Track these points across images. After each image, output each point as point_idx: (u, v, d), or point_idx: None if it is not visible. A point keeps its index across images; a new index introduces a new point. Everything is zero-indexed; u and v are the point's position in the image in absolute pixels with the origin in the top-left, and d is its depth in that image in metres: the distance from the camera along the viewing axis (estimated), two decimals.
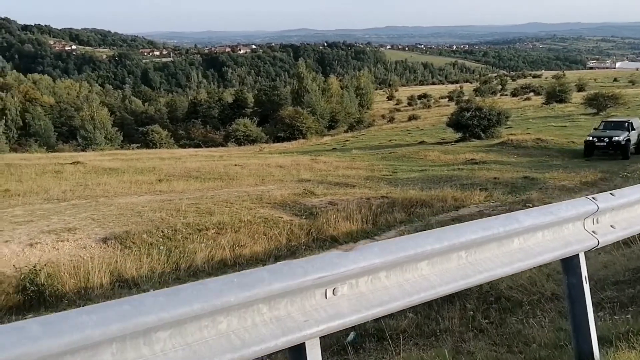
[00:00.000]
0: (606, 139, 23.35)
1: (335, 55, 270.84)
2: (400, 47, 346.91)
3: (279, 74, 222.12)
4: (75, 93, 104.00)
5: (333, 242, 11.28)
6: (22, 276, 7.69)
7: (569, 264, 3.26)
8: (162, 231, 11.01)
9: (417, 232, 9.90)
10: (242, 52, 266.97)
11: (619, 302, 4.60)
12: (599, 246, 3.43)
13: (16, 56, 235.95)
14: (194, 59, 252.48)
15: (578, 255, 3.25)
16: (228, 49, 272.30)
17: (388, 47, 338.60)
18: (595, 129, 25.13)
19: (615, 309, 4.43)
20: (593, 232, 3.41)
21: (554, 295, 5.09)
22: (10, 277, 8.40)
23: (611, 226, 3.57)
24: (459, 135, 34.88)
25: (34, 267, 7.81)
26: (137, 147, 52.87)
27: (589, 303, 3.18)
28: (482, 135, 33.42)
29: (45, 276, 7.78)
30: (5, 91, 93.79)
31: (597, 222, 3.48)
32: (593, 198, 3.46)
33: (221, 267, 9.57)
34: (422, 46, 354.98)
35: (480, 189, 15.83)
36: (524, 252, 3.11)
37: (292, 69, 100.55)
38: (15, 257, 9.77)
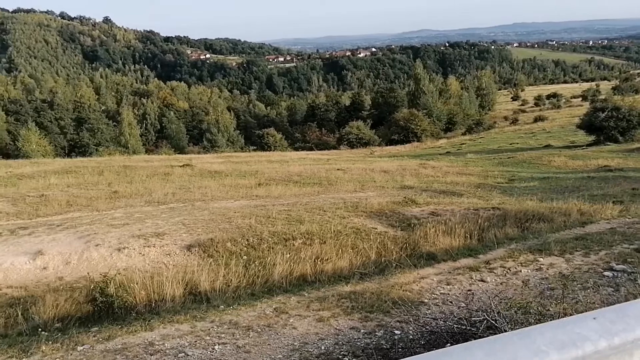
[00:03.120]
0: None
1: (457, 56, 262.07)
2: (528, 44, 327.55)
3: (398, 76, 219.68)
4: (207, 98, 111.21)
5: (429, 259, 10.06)
6: (93, 286, 7.49)
7: None
8: (248, 240, 10.56)
9: (530, 250, 8.29)
10: (361, 55, 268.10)
11: None
12: None
13: (158, 65, 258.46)
14: (315, 63, 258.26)
15: None
16: (348, 53, 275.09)
17: (515, 44, 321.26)
18: None
19: None
20: None
21: None
22: (88, 284, 8.30)
23: None
24: (591, 138, 31.59)
25: (105, 276, 7.59)
26: (254, 150, 54.58)
27: None
28: (620, 138, 29.92)
29: (116, 287, 7.51)
30: (146, 97, 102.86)
31: None
32: None
33: (300, 284, 8.80)
34: (554, 42, 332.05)
35: (614, 202, 13.60)
36: None
37: (411, 70, 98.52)
38: (102, 261, 9.83)
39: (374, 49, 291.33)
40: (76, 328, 7.15)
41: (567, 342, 1.85)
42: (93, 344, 6.59)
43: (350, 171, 20.77)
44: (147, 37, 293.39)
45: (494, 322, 4.38)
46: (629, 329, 1.99)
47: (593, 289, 7.56)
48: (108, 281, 7.56)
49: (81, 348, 6.46)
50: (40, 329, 7.13)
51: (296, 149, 57.24)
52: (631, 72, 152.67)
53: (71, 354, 6.35)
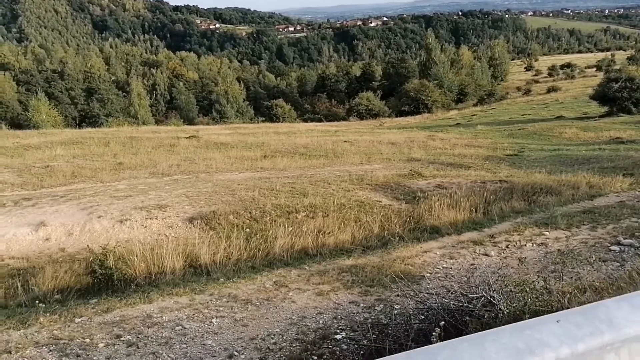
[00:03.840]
0: None
1: (471, 25, 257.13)
2: (543, 13, 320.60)
3: (410, 46, 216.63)
4: (217, 69, 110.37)
5: (433, 232, 9.94)
6: (92, 258, 7.46)
7: None
8: (250, 212, 10.48)
9: (536, 224, 8.12)
10: (373, 24, 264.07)
11: None
12: None
13: (168, 35, 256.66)
14: (326, 33, 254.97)
15: None
16: (359, 22, 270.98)
17: (530, 13, 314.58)
18: None
19: None
20: None
21: None
22: (89, 255, 8.29)
23: None
24: (604, 109, 30.94)
25: (104, 249, 7.55)
26: (262, 121, 54.31)
27: None
28: (634, 109, 29.28)
29: (115, 259, 7.48)
30: (156, 68, 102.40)
31: None
32: None
33: (301, 257, 8.74)
34: (569, 11, 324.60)
35: (624, 174, 13.33)
36: None
37: (423, 40, 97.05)
38: (104, 233, 9.82)
39: (385, 19, 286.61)
40: (75, 300, 7.16)
41: (523, 349, 1.65)
42: (91, 316, 6.59)
43: (357, 143, 20.55)
44: (156, 6, 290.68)
45: (491, 298, 4.27)
46: (597, 333, 1.77)
47: (597, 264, 7.42)
48: (107, 253, 7.53)
49: (79, 320, 6.46)
50: (39, 301, 7.15)
51: (305, 120, 56.88)
52: None
53: (69, 326, 6.36)
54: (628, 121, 25.93)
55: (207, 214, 10.24)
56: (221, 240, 8.86)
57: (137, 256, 7.94)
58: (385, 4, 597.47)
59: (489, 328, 3.91)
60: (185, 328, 6.20)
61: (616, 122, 25.66)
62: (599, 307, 1.85)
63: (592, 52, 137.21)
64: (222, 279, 7.77)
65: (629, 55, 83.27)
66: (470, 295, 4.42)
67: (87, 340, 5.96)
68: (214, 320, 6.37)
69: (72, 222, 9.96)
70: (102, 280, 7.42)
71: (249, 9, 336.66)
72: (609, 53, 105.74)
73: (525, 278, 4.14)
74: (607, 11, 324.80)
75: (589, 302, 3.83)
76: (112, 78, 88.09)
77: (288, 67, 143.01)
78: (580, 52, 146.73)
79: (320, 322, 6.27)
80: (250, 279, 7.78)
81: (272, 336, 5.99)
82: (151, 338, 5.97)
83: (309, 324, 6.22)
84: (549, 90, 54.62)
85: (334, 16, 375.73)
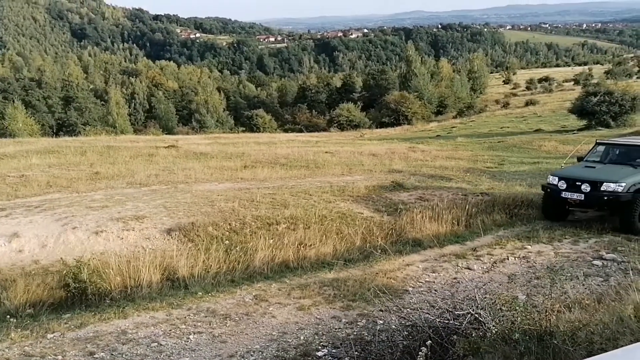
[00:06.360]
0: (586, 187, 10.51)
1: (450, 38, 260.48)
2: (522, 27, 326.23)
3: (390, 58, 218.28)
4: (197, 78, 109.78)
5: (416, 245, 9.88)
6: (65, 271, 7.21)
7: None
8: (230, 224, 10.29)
9: (518, 237, 8.11)
10: (353, 36, 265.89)
11: None
12: None
13: (147, 44, 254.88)
14: (307, 44, 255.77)
15: None
16: (340, 34, 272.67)
17: (508, 27, 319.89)
18: (580, 158, 12.35)
19: None
20: None
21: None
22: (63, 268, 8.02)
23: None
24: (583, 123, 31.39)
25: (78, 261, 7.31)
26: (242, 131, 54.07)
27: None
28: (612, 123, 29.74)
29: (90, 272, 7.23)
30: (135, 76, 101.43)
31: None
32: None
33: (282, 270, 8.59)
34: (547, 25, 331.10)
35: None
36: None
37: (403, 52, 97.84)
38: (79, 245, 9.52)
39: (365, 30, 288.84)
40: (48, 315, 6.91)
41: None
42: (64, 331, 6.35)
43: (339, 154, 20.48)
44: (136, 15, 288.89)
45: (477, 315, 4.17)
46: None
47: (581, 279, 7.41)
48: (81, 266, 7.28)
49: (51, 336, 6.22)
50: (10, 315, 6.87)
51: (286, 131, 56.76)
52: (624, 56, 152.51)
53: (40, 342, 6.11)
54: (607, 135, 26.32)
55: (186, 225, 10.02)
56: (200, 253, 8.66)
57: (112, 269, 7.71)
58: (366, 16, 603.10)
59: (478, 347, 3.83)
60: (161, 345, 5.99)
61: (595, 136, 26.01)
62: (637, 350, 1.74)
63: (569, 66, 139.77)
64: (200, 293, 7.58)
65: (606, 70, 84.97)
66: (456, 312, 4.32)
67: (59, 357, 5.73)
68: (191, 337, 6.18)
69: (46, 234, 9.65)
70: (76, 294, 7.17)
71: (229, 19, 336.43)
72: (586, 67, 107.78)
73: (514, 293, 4.06)
74: (584, 25, 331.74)
75: (577, 321, 3.75)
76: (91, 86, 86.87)
77: (269, 77, 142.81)
78: (558, 66, 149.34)
79: (302, 338, 6.12)
80: (230, 292, 7.60)
81: (252, 353, 5.82)
82: (126, 355, 5.75)
83: (290, 340, 6.07)
84: (527, 104, 55.35)
85: (314, 27, 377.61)
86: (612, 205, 10.42)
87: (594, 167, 11.33)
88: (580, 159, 12.34)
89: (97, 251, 9.12)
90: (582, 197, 10.50)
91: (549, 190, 11.14)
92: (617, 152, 11.91)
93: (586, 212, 11.35)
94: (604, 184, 10.38)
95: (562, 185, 10.81)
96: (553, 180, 11.05)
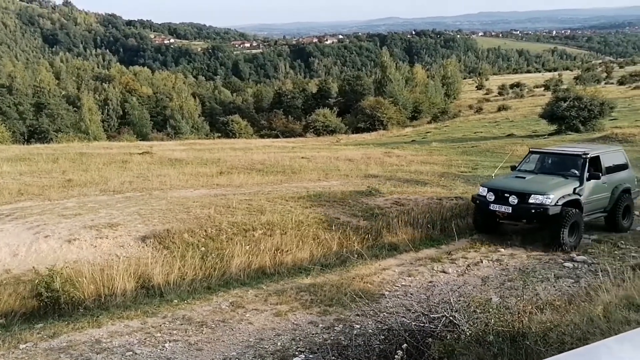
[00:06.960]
0: (514, 199, 10.17)
1: (424, 44, 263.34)
2: (493, 33, 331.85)
3: (365, 64, 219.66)
4: (171, 84, 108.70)
5: (392, 249, 9.96)
6: (38, 280, 7.07)
7: None
8: (206, 230, 10.21)
9: (492, 241, 8.24)
10: (328, 42, 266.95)
11: None
12: None
13: (121, 50, 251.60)
14: (282, 50, 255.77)
15: None
16: (315, 40, 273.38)
17: (480, 34, 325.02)
18: (514, 167, 12.11)
19: None
20: None
21: None
22: (35, 278, 7.86)
23: None
24: (553, 127, 31.97)
25: (51, 270, 7.18)
26: (218, 137, 53.74)
27: None
28: (581, 128, 30.34)
29: (62, 281, 7.11)
30: (108, 82, 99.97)
31: None
32: None
33: (259, 276, 8.57)
34: (518, 32, 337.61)
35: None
36: None
37: (378, 58, 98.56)
38: (52, 253, 9.34)
39: (341, 36, 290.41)
40: (20, 325, 6.78)
41: None
42: (37, 341, 6.24)
43: (315, 159, 20.51)
44: (109, 20, 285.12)
45: (452, 318, 4.22)
46: None
47: (552, 281, 7.58)
48: (54, 275, 7.15)
49: (24, 346, 6.11)
50: None
51: (262, 137, 56.62)
52: (593, 62, 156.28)
53: (13, 352, 5.99)
54: (577, 139, 26.93)
55: (161, 232, 9.91)
56: (175, 260, 8.59)
57: (85, 277, 7.59)
58: (341, 22, 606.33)
59: (452, 350, 3.89)
60: (136, 353, 5.92)
61: (565, 140, 26.61)
62: (601, 347, 1.78)
63: (540, 72, 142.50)
64: (175, 300, 7.51)
65: (575, 75, 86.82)
66: (431, 315, 4.37)
67: None
68: (167, 345, 6.12)
69: (18, 242, 9.44)
70: (49, 304, 7.05)
71: (204, 25, 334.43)
72: (556, 73, 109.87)
73: (487, 295, 4.13)
74: (554, 32, 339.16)
75: (549, 322, 3.83)
76: (63, 93, 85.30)
77: (244, 83, 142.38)
78: (529, 72, 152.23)
79: (279, 344, 6.12)
80: (206, 299, 7.55)
81: None
82: None
83: (267, 347, 6.06)
84: (499, 109, 56.18)
85: (290, 33, 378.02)
86: (540, 219, 9.96)
87: (524, 178, 10.88)
88: (514, 168, 11.99)
89: (70, 260, 8.96)
90: (510, 209, 10.08)
91: (477, 202, 10.79)
92: (550, 161, 11.49)
93: (516, 225, 10.82)
94: (532, 196, 9.92)
95: (491, 197, 10.35)
96: (482, 191, 10.64)
